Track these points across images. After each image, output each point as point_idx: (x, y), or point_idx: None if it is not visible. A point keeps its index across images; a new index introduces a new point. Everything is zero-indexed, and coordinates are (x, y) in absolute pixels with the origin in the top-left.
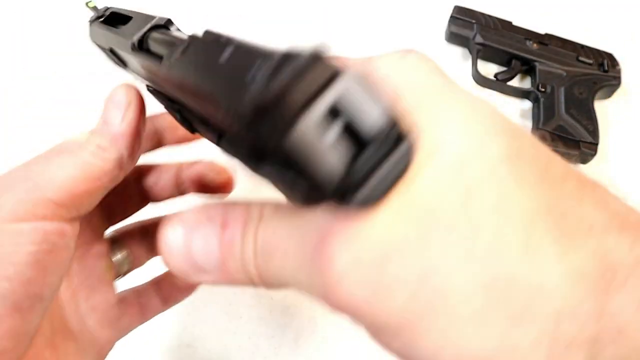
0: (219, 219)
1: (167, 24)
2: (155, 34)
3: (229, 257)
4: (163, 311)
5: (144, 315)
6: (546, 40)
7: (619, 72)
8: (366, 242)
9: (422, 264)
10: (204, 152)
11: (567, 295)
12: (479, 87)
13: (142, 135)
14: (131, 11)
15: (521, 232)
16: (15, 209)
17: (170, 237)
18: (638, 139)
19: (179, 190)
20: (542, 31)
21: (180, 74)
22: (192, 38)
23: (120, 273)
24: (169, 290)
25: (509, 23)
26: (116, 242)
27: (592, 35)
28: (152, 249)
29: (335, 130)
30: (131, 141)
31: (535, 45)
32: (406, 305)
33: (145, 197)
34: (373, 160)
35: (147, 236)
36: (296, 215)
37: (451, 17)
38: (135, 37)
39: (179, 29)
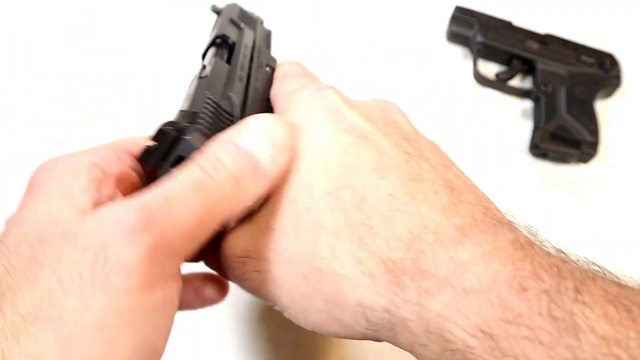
0: None
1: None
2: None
3: None
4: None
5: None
6: (547, 40)
7: (619, 71)
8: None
9: (263, 265)
10: None
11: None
12: (479, 86)
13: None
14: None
15: (330, 240)
16: (146, 271)
17: None
18: (638, 138)
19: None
20: (542, 31)
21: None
22: (202, 76)
23: None
24: None
25: (509, 23)
26: None
27: (592, 35)
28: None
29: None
30: (270, 186)
31: (536, 44)
32: (254, 286)
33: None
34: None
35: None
36: None
37: (452, 16)
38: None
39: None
